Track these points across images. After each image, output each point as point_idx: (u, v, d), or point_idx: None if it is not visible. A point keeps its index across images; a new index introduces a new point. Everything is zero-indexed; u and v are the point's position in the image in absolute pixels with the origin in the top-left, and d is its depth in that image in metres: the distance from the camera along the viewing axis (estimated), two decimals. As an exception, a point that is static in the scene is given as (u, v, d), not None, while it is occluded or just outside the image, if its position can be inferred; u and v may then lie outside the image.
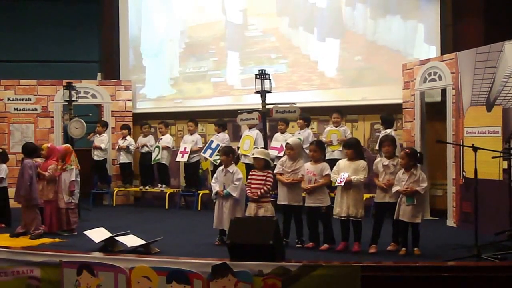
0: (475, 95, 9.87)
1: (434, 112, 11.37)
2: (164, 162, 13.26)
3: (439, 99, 11.46)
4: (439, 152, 10.78)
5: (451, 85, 10.44)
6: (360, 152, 8.71)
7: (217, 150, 12.04)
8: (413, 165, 8.19)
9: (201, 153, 12.68)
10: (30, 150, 10.10)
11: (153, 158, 13.24)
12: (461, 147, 9.88)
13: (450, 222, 10.40)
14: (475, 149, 8.02)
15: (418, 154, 8.37)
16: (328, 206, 8.50)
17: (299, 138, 11.07)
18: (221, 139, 12.51)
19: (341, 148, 11.23)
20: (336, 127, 11.76)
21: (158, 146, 13.20)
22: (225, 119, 13.01)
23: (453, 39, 11.95)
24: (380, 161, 8.55)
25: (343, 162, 8.59)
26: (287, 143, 9.12)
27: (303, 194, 8.90)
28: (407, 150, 8.34)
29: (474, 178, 8.01)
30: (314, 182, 8.54)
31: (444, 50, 11.65)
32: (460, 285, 7.02)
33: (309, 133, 11.72)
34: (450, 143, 10.12)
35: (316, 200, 8.55)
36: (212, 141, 12.49)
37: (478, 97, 9.80)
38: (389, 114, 11.34)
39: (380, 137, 10.10)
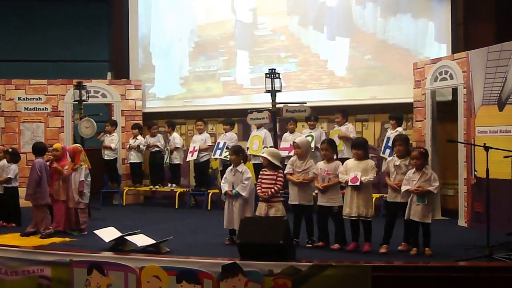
0: (486, 94, 9.81)
1: (445, 111, 11.30)
2: (177, 162, 13.27)
3: (450, 98, 11.40)
4: (450, 152, 10.71)
5: (463, 84, 10.38)
6: (368, 151, 8.67)
7: (225, 147, 12.07)
8: (424, 164, 8.14)
9: (212, 157, 12.72)
10: (39, 149, 10.10)
11: (164, 161, 13.26)
12: (473, 146, 9.81)
13: (462, 222, 10.34)
14: (486, 148, 7.98)
15: None
16: (340, 206, 8.45)
17: (311, 136, 11.09)
18: (229, 137, 12.50)
19: (343, 148, 11.17)
20: (339, 126, 11.73)
21: (167, 149, 13.20)
22: (235, 119, 12.98)
23: (464, 37, 11.90)
24: (392, 160, 8.50)
25: (351, 162, 8.52)
26: (293, 142, 9.10)
27: (314, 194, 8.87)
28: (422, 150, 8.28)
29: (486, 177, 7.96)
30: (328, 181, 8.51)
31: (455, 49, 11.60)
32: (471, 285, 6.98)
33: (321, 132, 11.72)
34: (462, 143, 10.05)
35: (329, 199, 8.50)
36: (219, 142, 12.51)
37: (490, 96, 9.75)
38: (397, 112, 11.29)
39: (393, 136, 10.02)
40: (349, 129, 11.62)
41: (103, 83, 14.19)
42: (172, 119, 13.67)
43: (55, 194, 9.96)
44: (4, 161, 10.88)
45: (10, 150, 11.15)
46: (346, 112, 11.83)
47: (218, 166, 12.78)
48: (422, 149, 8.36)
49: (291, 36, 13.47)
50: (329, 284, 7.07)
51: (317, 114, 11.89)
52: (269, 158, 8.77)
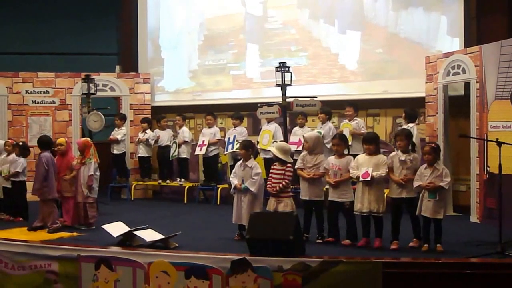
0: (499, 88, 9.70)
1: (457, 106, 11.18)
2: (185, 156, 13.20)
3: (462, 92, 11.28)
4: (463, 147, 10.64)
5: (475, 78, 10.27)
6: (379, 146, 8.58)
7: (235, 140, 12.04)
8: (436, 160, 8.03)
9: (224, 153, 12.69)
10: (45, 143, 10.04)
11: (171, 154, 13.18)
12: (485, 141, 9.71)
13: (474, 218, 10.24)
14: (499, 143, 7.91)
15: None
16: (351, 201, 8.39)
17: (319, 132, 10.99)
18: (239, 132, 12.45)
19: (350, 143, 11.03)
20: (349, 120, 11.62)
21: (175, 142, 13.13)
22: (244, 113, 12.93)
23: (477, 31, 11.77)
24: (396, 156, 8.37)
25: (362, 157, 8.45)
26: (303, 136, 9.04)
27: (324, 189, 8.79)
28: (433, 145, 8.21)
29: (499, 173, 7.89)
30: (340, 176, 8.43)
31: (468, 43, 11.47)
32: (483, 282, 6.92)
33: (330, 127, 11.60)
34: (474, 138, 9.97)
35: (341, 194, 8.45)
36: (229, 138, 12.44)
37: (503, 91, 9.64)
38: (412, 108, 11.16)
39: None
40: (360, 124, 11.53)
41: (111, 76, 14.15)
42: (181, 113, 13.59)
43: (63, 190, 9.93)
44: (13, 155, 10.86)
45: (21, 143, 11.12)
46: (357, 106, 11.72)
47: (228, 161, 12.71)
48: (433, 144, 8.30)
49: (302, 29, 13.37)
50: (339, 281, 7.02)
51: (330, 109, 11.76)
52: (275, 153, 8.70)
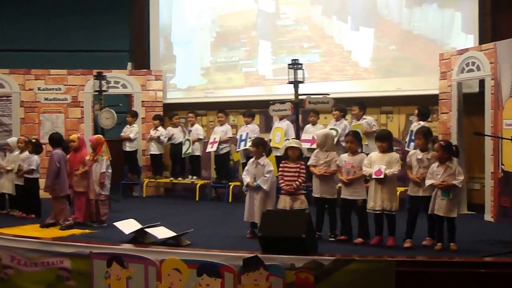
0: (515, 86, 9.63)
1: (471, 104, 11.09)
2: (197, 154, 13.17)
3: (477, 90, 11.20)
4: (477, 145, 10.56)
5: (490, 75, 10.18)
6: (392, 144, 8.52)
7: (248, 137, 12.01)
8: (448, 158, 7.94)
9: (236, 151, 12.67)
10: (56, 140, 10.03)
11: (183, 152, 13.13)
12: (500, 139, 9.63)
13: (488, 216, 10.16)
14: (514, 141, 7.82)
15: (454, 147, 8.10)
16: (364, 199, 8.32)
17: (335, 130, 10.95)
18: (251, 129, 12.42)
19: (366, 143, 10.97)
20: (357, 120, 11.54)
21: (188, 139, 13.09)
22: (257, 110, 12.89)
23: (491, 28, 11.68)
24: (414, 154, 8.33)
25: (375, 155, 8.39)
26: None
27: (337, 187, 8.74)
28: (442, 143, 8.11)
29: (514, 171, 7.81)
30: (353, 174, 8.38)
31: (482, 39, 11.37)
32: (497, 281, 6.86)
33: (346, 125, 11.53)
34: (488, 136, 9.88)
35: (353, 192, 8.38)
36: (241, 135, 12.41)
37: (518, 88, 9.57)
38: (425, 106, 11.08)
39: (412, 128, 9.90)
40: (369, 122, 11.44)
41: (123, 74, 14.16)
42: (193, 110, 13.56)
43: (75, 185, 9.93)
44: (26, 152, 10.88)
45: (34, 141, 11.13)
46: (364, 104, 11.64)
47: (240, 159, 12.69)
48: (442, 142, 8.18)
49: (314, 26, 13.34)
50: (352, 279, 6.98)
51: (344, 106, 11.69)
52: (297, 145, 8.71)
